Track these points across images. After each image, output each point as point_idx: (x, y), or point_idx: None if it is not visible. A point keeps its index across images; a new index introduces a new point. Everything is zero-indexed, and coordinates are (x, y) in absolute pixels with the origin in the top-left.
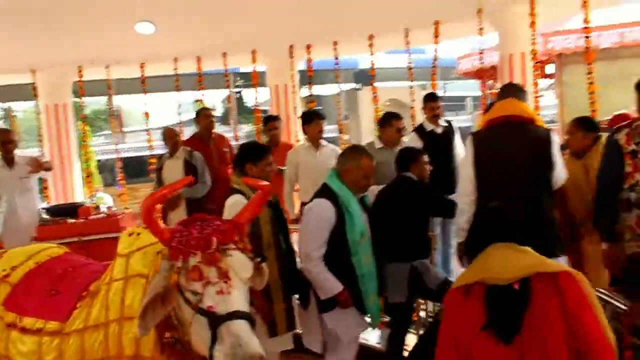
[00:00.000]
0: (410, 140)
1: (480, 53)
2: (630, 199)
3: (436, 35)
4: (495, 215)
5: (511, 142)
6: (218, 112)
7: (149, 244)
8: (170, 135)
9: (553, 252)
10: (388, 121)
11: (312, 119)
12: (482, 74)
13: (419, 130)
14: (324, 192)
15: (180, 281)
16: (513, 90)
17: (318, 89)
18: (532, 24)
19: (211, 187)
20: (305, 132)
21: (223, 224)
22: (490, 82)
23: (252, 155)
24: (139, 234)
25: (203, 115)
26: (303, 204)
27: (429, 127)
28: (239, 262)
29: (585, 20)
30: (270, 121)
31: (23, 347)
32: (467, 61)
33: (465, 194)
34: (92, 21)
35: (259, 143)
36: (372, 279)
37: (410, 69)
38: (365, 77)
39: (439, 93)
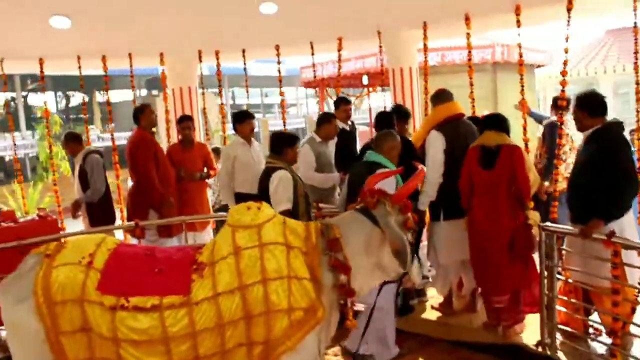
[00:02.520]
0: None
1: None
2: None
3: (339, 50)
4: None
5: (463, 131)
6: None
7: (272, 215)
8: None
9: None
10: (327, 119)
11: (244, 118)
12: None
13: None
14: (372, 165)
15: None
16: (448, 95)
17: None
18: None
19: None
20: (237, 130)
21: None
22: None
23: (289, 142)
24: (258, 207)
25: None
26: (238, 195)
27: (341, 125)
28: None
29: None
30: (184, 121)
31: (138, 324)
32: (309, 71)
33: (437, 172)
34: None
35: (290, 133)
36: None
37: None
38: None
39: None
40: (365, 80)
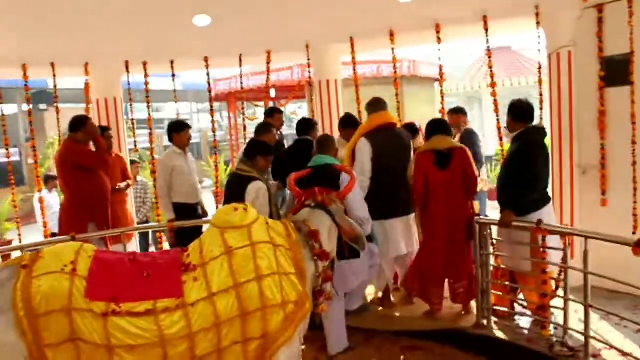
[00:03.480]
0: None
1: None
2: None
3: (268, 62)
4: None
5: (391, 140)
6: None
7: (257, 217)
8: None
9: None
10: (267, 129)
11: (182, 128)
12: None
13: None
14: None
15: None
16: (382, 104)
17: None
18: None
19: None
20: (174, 140)
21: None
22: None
23: (263, 150)
24: (245, 209)
25: None
26: (176, 205)
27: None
28: None
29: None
30: (107, 130)
31: (133, 329)
32: (222, 84)
33: (366, 176)
34: None
35: (265, 142)
36: None
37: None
38: (48, 97)
39: None
40: (273, 93)
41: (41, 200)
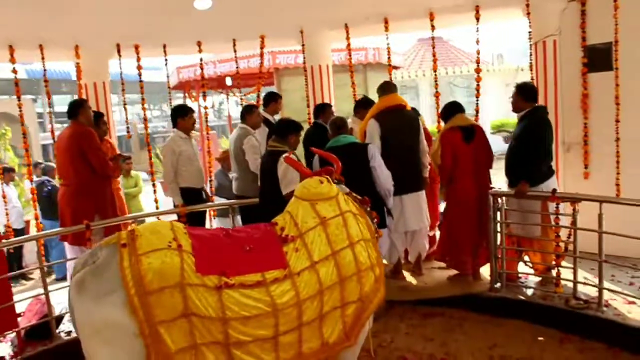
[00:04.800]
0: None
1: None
2: None
3: (262, 48)
4: None
5: (400, 120)
6: None
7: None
8: None
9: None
10: (252, 110)
11: (187, 112)
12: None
13: (266, 121)
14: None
15: None
16: (391, 87)
17: None
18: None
19: None
20: (179, 124)
21: None
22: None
23: (294, 128)
24: (328, 180)
25: None
26: (183, 189)
27: (271, 119)
28: None
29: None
30: (101, 117)
31: (248, 300)
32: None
33: None
34: None
35: (295, 120)
36: None
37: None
38: None
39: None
40: (228, 81)
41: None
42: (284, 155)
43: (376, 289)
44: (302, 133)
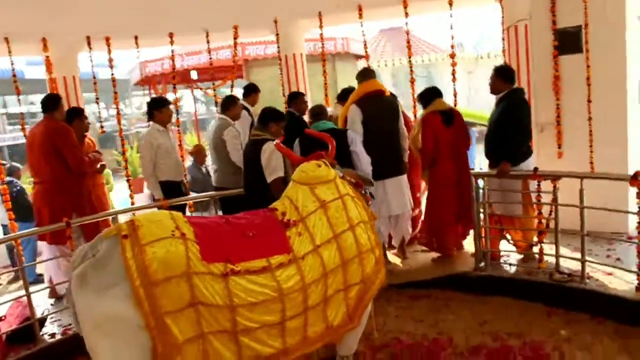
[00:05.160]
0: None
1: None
2: None
3: (235, 38)
4: None
5: (380, 106)
6: None
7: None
8: None
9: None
10: (233, 101)
11: (164, 104)
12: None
13: (246, 109)
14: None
15: None
16: (370, 73)
17: None
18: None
19: None
20: (156, 117)
21: None
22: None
23: (275, 117)
24: (325, 164)
25: None
26: (162, 183)
27: (251, 109)
28: None
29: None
30: (82, 112)
31: (254, 286)
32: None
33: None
34: None
35: (277, 109)
36: None
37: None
38: None
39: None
40: (194, 75)
41: None
42: (273, 142)
43: (377, 270)
44: None
